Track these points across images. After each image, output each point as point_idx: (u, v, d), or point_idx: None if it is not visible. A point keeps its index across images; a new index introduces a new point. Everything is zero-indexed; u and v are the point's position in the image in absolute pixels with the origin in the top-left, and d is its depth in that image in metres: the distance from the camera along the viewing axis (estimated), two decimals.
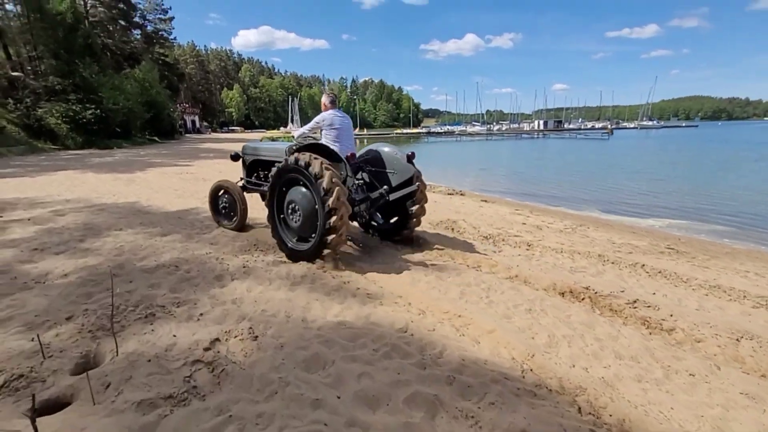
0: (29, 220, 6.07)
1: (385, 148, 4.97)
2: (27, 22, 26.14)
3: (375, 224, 5.30)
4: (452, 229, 6.35)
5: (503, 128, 78.94)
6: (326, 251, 4.01)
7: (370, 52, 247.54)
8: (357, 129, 75.32)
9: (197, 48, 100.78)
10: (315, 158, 3.93)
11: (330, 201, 3.76)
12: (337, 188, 3.77)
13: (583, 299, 3.61)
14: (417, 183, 4.71)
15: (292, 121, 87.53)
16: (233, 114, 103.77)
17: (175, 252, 4.56)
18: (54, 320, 2.90)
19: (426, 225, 6.58)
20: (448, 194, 11.03)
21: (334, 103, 4.59)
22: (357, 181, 4.82)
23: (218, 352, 2.48)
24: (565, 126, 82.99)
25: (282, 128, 78.30)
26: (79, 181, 10.74)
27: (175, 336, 2.67)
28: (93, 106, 25.85)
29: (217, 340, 2.62)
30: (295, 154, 4.10)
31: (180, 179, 11.61)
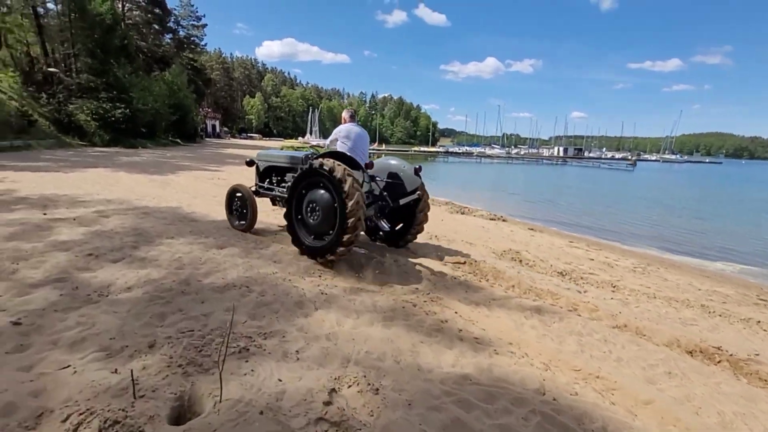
0: (74, 220, 5.83)
1: (393, 161, 5.42)
2: (68, 21, 26.96)
3: (381, 231, 5.51)
4: (519, 260, 5.94)
5: (521, 152, 78.74)
6: (340, 249, 4.28)
7: (390, 69, 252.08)
8: (376, 144, 75.81)
9: (223, 55, 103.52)
10: (338, 164, 4.27)
11: (350, 204, 4.12)
12: (356, 193, 4.15)
13: (719, 362, 3.15)
14: (419, 192, 5.19)
15: (310, 132, 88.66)
16: (253, 121, 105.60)
17: (240, 269, 4.22)
18: (134, 346, 2.55)
19: (489, 253, 6.18)
20: (491, 219, 10.63)
21: (353, 117, 5.04)
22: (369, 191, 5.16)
23: (341, 408, 2.08)
24: (586, 154, 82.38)
25: (300, 138, 79.15)
26: (113, 180, 10.62)
27: (280, 381, 2.29)
28: (123, 106, 26.28)
29: (334, 390, 2.23)
30: (320, 159, 4.46)
31: (214, 185, 11.42)
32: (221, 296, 3.48)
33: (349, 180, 4.12)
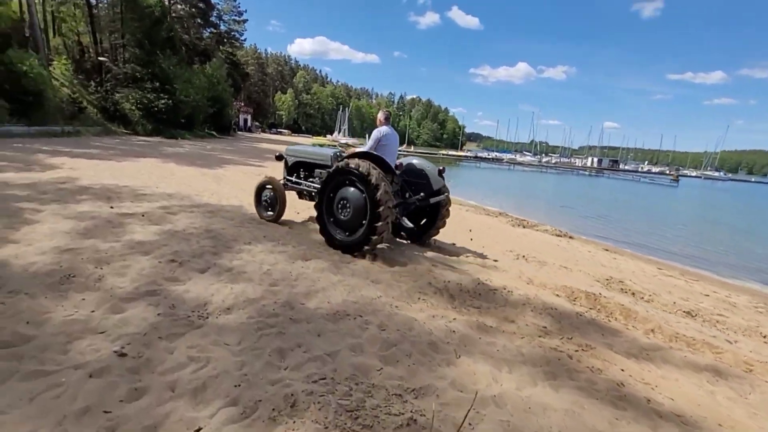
0: (143, 216, 5.47)
1: (416, 162, 5.69)
2: (118, 12, 27.59)
3: (404, 228, 5.76)
4: (631, 293, 5.19)
5: (553, 161, 76.33)
6: (368, 246, 4.61)
7: (419, 70, 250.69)
8: (404, 145, 75.23)
9: (258, 51, 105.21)
10: (374, 168, 4.50)
11: (381, 209, 4.42)
12: (388, 198, 4.43)
13: None
14: (446, 194, 5.41)
15: (338, 130, 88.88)
16: (283, 117, 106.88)
17: (340, 290, 3.69)
18: (270, 402, 2.01)
19: (592, 281, 5.46)
20: (557, 235, 9.84)
21: (388, 120, 5.14)
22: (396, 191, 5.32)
23: None
24: (621, 166, 79.21)
25: (328, 135, 79.37)
26: (167, 172, 10.41)
27: None
28: (166, 97, 26.64)
29: None
30: (355, 160, 4.69)
31: None
32: (337, 328, 2.94)
33: (383, 186, 4.43)
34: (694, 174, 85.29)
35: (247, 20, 45.19)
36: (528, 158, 70.69)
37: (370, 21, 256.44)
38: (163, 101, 26.25)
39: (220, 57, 39.65)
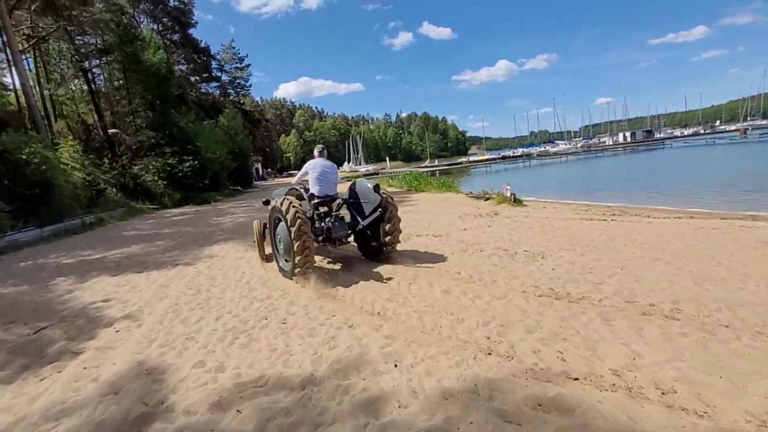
0: None
1: (358, 183, 5.78)
2: (122, 77, 24.55)
3: (368, 248, 5.85)
4: None
5: (579, 145, 70.97)
6: (297, 270, 4.85)
7: (404, 88, 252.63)
8: (427, 160, 71.28)
9: (255, 99, 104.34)
10: (293, 206, 4.84)
11: (293, 231, 4.72)
12: (298, 221, 4.73)
13: None
14: (380, 209, 5.34)
15: (351, 160, 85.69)
16: (291, 158, 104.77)
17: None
18: None
19: None
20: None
21: (321, 153, 5.73)
22: (337, 214, 5.57)
23: None
24: (657, 136, 73.70)
25: (345, 166, 76.02)
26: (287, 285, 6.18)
27: None
28: (190, 158, 23.08)
29: None
30: (275, 200, 5.28)
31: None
32: None
33: (292, 211, 4.78)
34: (732, 129, 79.09)
35: (249, 65, 42.57)
36: (563, 146, 65.67)
37: (348, 53, 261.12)
38: (188, 163, 22.68)
39: (231, 107, 36.59)
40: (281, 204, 4.89)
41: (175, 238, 9.68)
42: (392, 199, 5.45)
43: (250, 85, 43.81)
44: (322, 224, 5.38)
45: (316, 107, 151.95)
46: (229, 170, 31.28)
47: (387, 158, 76.81)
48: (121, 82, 25.18)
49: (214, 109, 37.02)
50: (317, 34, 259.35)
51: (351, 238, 5.80)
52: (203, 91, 40.43)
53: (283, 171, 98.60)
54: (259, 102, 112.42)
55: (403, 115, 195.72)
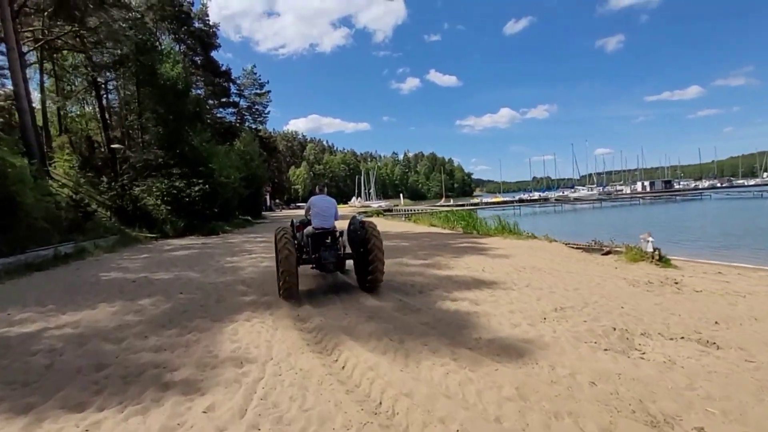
0: None
1: (354, 219, 6.21)
2: (134, 90, 22.01)
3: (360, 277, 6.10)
4: None
5: (598, 192, 67.97)
6: (281, 291, 5.53)
7: (409, 130, 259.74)
8: (443, 199, 68.52)
9: (268, 130, 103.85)
10: (285, 237, 5.40)
11: (280, 258, 5.33)
12: (285, 250, 5.27)
13: None
14: (361, 234, 5.77)
15: (361, 195, 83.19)
16: (299, 190, 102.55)
17: None
18: None
19: None
20: None
21: (321, 190, 6.50)
22: (329, 244, 6.01)
23: None
24: (676, 186, 71.29)
25: (355, 201, 73.22)
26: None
27: None
28: (200, 181, 19.93)
29: None
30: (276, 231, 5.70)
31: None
32: None
33: (284, 251, 5.26)
34: (751, 183, 76.60)
35: (270, 91, 40.69)
36: (584, 192, 62.84)
37: (357, 94, 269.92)
38: (197, 187, 19.49)
39: (248, 131, 34.12)
40: (277, 236, 5.53)
41: (170, 296, 6.14)
42: (376, 232, 5.73)
43: (269, 112, 41.79)
44: (321, 253, 5.90)
45: (326, 141, 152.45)
46: (241, 198, 28.15)
47: (401, 195, 74.12)
48: (132, 94, 22.69)
49: (230, 133, 34.57)
50: (329, 76, 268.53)
51: (350, 265, 6.40)
52: (219, 116, 38.26)
53: (291, 203, 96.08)
54: (272, 133, 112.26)
55: (411, 154, 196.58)
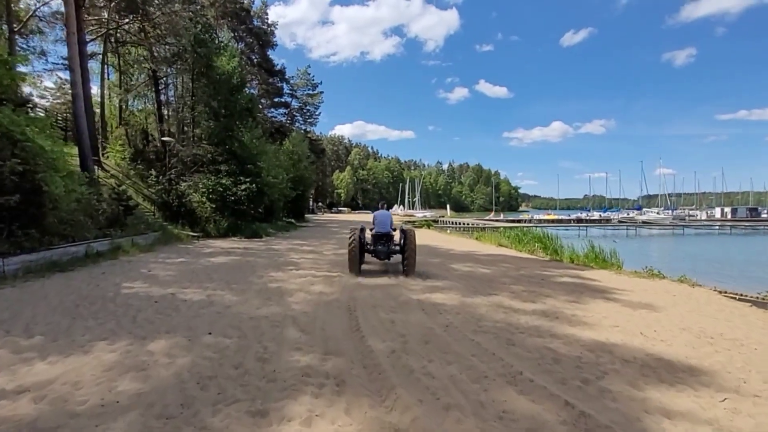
0: None
1: (403, 226, 9.49)
2: (190, 81, 21.54)
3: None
4: None
5: (671, 216, 60.71)
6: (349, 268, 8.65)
7: (453, 140, 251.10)
8: (492, 213, 64.96)
9: (316, 133, 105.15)
10: (355, 233, 8.48)
11: (348, 248, 8.45)
12: (351, 244, 8.36)
13: None
14: (402, 238, 8.72)
15: (401, 203, 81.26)
16: (342, 195, 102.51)
17: None
18: None
19: None
20: None
21: (382, 206, 9.79)
22: (384, 242, 9.09)
23: None
24: (765, 215, 62.65)
25: (399, 210, 71.31)
26: None
27: None
28: (247, 180, 18.81)
29: None
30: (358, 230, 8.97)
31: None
32: None
33: (352, 237, 8.41)
34: None
35: (323, 92, 39.97)
36: (654, 215, 56.52)
37: (404, 103, 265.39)
38: (244, 186, 18.38)
39: (299, 131, 33.30)
40: (350, 233, 8.65)
41: (195, 338, 4.33)
42: (413, 238, 8.52)
43: (320, 113, 41.07)
44: (377, 247, 8.98)
45: (371, 147, 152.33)
46: (287, 199, 27.09)
47: (448, 206, 71.26)
48: (187, 88, 22.29)
49: (280, 133, 33.95)
50: (377, 83, 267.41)
51: (398, 257, 9.12)
52: (271, 115, 37.93)
53: (333, 207, 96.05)
54: (319, 136, 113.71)
55: (456, 164, 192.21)
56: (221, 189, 18.21)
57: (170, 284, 7.16)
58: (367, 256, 9.38)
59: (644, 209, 63.67)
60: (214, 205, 18.24)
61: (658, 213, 59.34)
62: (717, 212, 65.40)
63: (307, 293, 6.71)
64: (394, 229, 9.29)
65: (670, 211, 64.16)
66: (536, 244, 14.26)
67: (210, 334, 4.44)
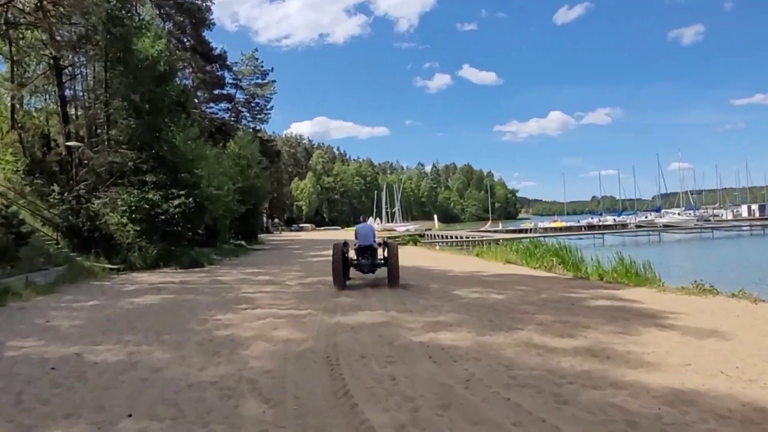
0: None
1: (385, 239, 12.27)
2: (103, 70, 20.46)
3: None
4: None
5: (695, 217, 62.78)
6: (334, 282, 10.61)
7: (436, 136, 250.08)
8: (489, 223, 65.62)
9: (268, 133, 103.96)
10: (338, 248, 10.34)
11: (332, 262, 10.47)
12: (334, 258, 10.34)
13: None
14: (385, 250, 11.06)
15: (377, 216, 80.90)
16: (303, 208, 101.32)
17: None
18: None
19: None
20: None
21: (365, 220, 16.17)
22: (367, 255, 10.95)
23: None
24: None
25: (377, 224, 70.95)
26: None
27: None
28: (182, 192, 17.88)
29: None
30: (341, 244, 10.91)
31: None
32: None
33: (334, 250, 10.42)
34: None
35: (274, 81, 39.35)
36: (676, 217, 58.53)
37: (374, 93, 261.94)
38: (177, 201, 17.43)
39: (247, 130, 32.52)
40: (333, 248, 10.51)
41: (110, 416, 3.65)
42: (396, 250, 10.64)
43: (271, 108, 40.38)
44: (360, 260, 10.76)
45: (337, 148, 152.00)
46: (236, 216, 26.11)
47: (435, 216, 71.53)
48: (99, 78, 21.18)
49: (223, 132, 33.04)
50: (340, 71, 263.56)
51: (383, 270, 10.85)
52: (210, 111, 37.04)
53: (292, 223, 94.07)
54: (273, 135, 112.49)
55: (441, 165, 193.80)
56: (148, 206, 17.24)
57: (76, 340, 6.31)
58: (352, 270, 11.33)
59: (663, 210, 65.99)
60: (138, 228, 17.23)
61: (679, 214, 61.69)
62: (744, 210, 68.83)
63: (268, 342, 6.04)
64: (379, 244, 11.19)
65: (692, 212, 66.85)
66: (553, 259, 14.12)
67: (130, 416, 3.71)
